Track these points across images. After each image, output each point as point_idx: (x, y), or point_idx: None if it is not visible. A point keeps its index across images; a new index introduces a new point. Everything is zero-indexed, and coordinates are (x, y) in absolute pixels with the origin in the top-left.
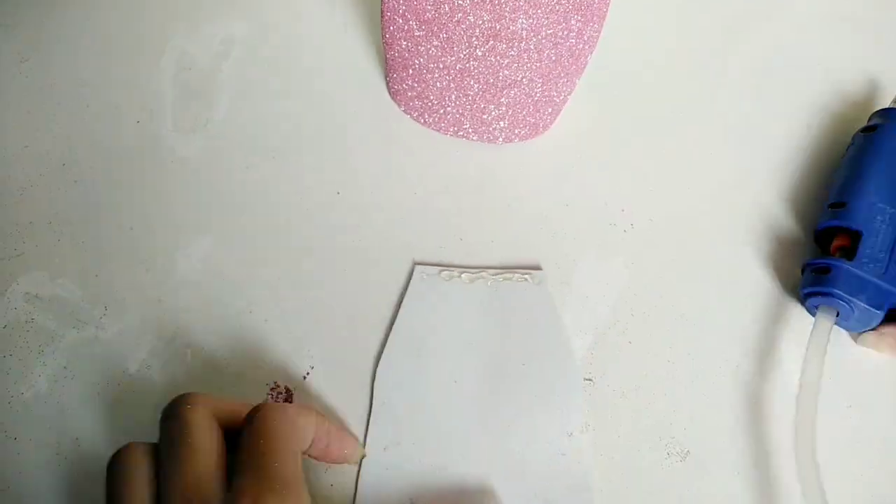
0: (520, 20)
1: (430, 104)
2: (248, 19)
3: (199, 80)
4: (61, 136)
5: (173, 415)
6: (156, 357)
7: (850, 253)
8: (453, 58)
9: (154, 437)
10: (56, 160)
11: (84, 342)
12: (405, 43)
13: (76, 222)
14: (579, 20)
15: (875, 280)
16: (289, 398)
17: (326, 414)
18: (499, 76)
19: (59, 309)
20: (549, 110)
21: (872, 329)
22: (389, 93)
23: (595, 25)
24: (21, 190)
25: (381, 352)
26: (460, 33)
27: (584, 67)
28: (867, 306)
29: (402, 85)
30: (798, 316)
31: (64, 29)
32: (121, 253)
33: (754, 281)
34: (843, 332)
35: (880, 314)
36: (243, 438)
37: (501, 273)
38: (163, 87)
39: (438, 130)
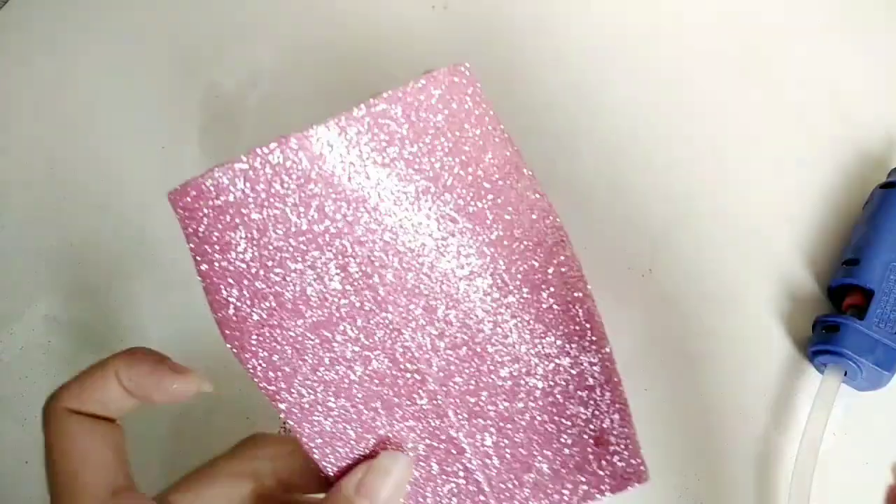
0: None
1: None
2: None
3: (226, 106)
4: (71, 159)
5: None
6: None
7: (861, 311)
8: None
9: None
10: (71, 184)
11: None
12: None
13: (93, 245)
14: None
15: (885, 340)
16: None
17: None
18: None
19: (76, 332)
20: None
21: None
22: None
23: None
24: (38, 213)
25: None
26: None
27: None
28: (875, 367)
29: None
30: (812, 372)
31: (90, 51)
32: (143, 274)
33: (768, 335)
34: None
35: (889, 375)
36: None
37: None
38: (191, 112)
39: None
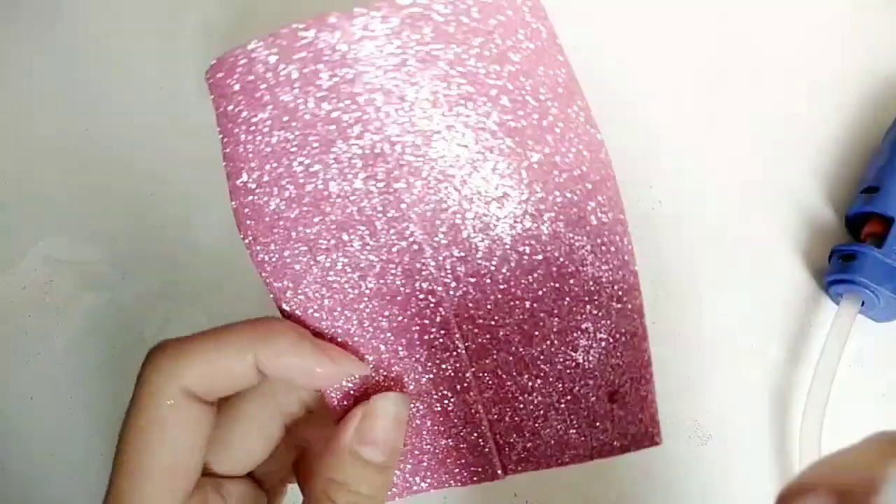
0: None
1: None
2: None
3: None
4: (85, 101)
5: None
6: (172, 322)
7: (880, 240)
8: None
9: None
10: (80, 125)
11: (101, 306)
12: None
13: (97, 187)
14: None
15: None
16: None
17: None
18: None
19: (78, 272)
20: None
21: None
22: None
23: None
24: (44, 153)
25: None
26: None
27: None
28: (894, 295)
29: None
30: (829, 304)
31: None
32: (141, 218)
33: (784, 266)
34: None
35: None
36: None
37: None
38: (186, 54)
39: None
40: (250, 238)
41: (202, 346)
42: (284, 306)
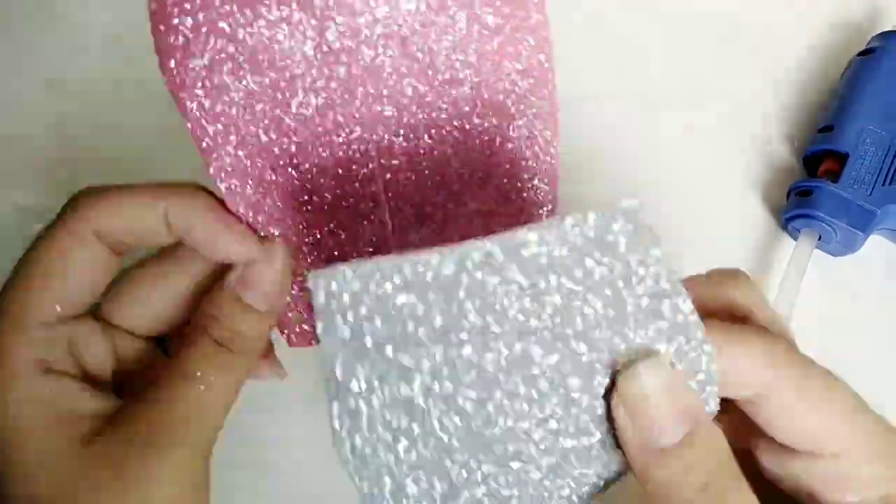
0: None
1: None
2: None
3: None
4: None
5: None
6: None
7: (836, 176)
8: None
9: None
10: (49, 78)
11: None
12: None
13: (70, 139)
14: None
15: (859, 201)
16: None
17: None
18: None
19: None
20: None
21: None
22: None
23: None
24: (14, 106)
25: None
26: None
27: None
28: (849, 227)
29: None
30: (788, 241)
31: None
32: (119, 170)
33: (744, 205)
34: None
35: (863, 236)
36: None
37: None
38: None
39: None
40: (178, 87)
41: (119, 194)
42: (212, 171)
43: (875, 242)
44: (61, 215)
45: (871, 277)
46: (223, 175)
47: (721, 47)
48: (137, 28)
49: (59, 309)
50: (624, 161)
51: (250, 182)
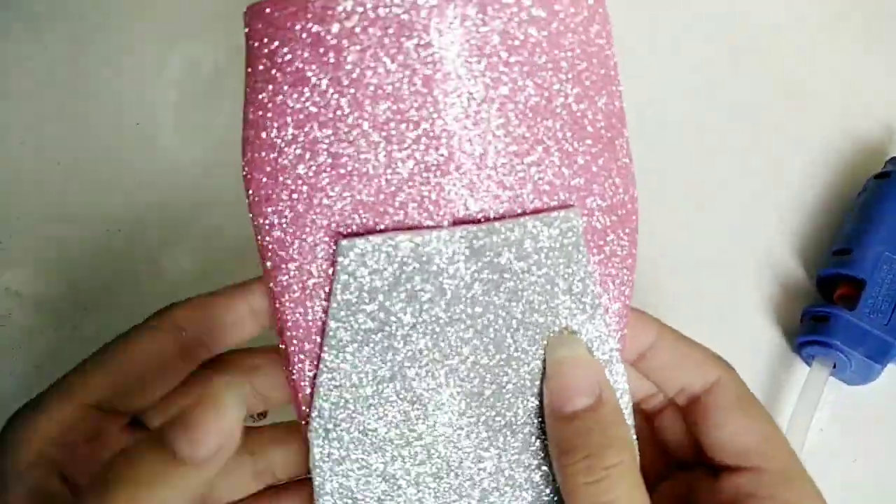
0: None
1: None
2: None
3: (203, 86)
4: (59, 135)
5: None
6: None
7: (852, 302)
8: None
9: None
10: (52, 157)
11: (61, 342)
12: None
13: (64, 221)
14: None
15: (876, 332)
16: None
17: None
18: None
19: (39, 307)
20: None
21: None
22: None
23: None
24: (12, 184)
25: None
26: None
27: None
28: (865, 359)
29: None
30: (800, 365)
31: (68, 27)
32: (108, 255)
33: (755, 325)
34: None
35: (880, 368)
36: None
37: None
38: (166, 91)
39: None
40: (260, 196)
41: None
42: (279, 277)
43: (892, 372)
44: (152, 316)
45: (888, 408)
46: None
47: (735, 163)
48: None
49: (98, 397)
50: (639, 273)
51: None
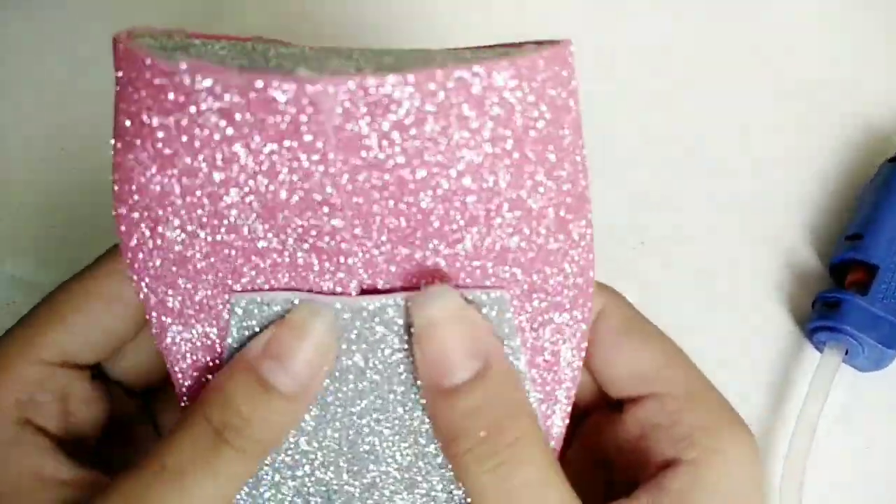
0: None
1: None
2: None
3: None
4: (63, 122)
5: None
6: None
7: (865, 288)
8: None
9: None
10: (55, 145)
11: None
12: None
13: (68, 209)
14: None
15: (889, 317)
16: None
17: None
18: None
19: (43, 294)
20: None
21: None
22: None
23: None
24: (15, 172)
25: None
26: None
27: None
28: (878, 345)
29: None
30: (812, 352)
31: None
32: (112, 241)
33: (767, 311)
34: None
35: (893, 353)
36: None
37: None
38: None
39: None
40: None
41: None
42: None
43: None
44: (99, 259)
45: None
46: None
47: (746, 150)
48: None
49: (61, 353)
50: (650, 256)
51: None
